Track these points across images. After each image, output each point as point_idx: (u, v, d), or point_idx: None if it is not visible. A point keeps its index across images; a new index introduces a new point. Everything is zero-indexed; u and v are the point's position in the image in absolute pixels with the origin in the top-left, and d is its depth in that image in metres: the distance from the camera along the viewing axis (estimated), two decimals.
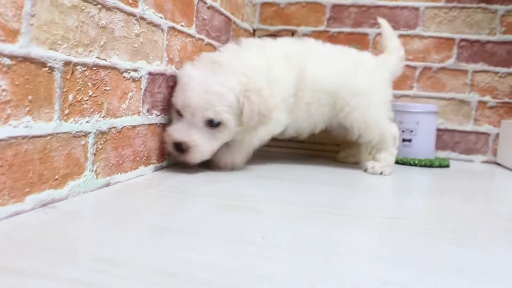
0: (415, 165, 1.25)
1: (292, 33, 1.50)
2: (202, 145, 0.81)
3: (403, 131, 1.29)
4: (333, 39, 1.51)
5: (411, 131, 1.30)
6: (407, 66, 1.47)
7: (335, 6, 1.52)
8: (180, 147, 0.80)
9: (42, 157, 0.54)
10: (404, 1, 1.49)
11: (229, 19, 1.27)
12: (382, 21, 1.16)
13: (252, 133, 0.91)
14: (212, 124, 0.81)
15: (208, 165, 0.91)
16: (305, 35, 1.52)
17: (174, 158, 0.85)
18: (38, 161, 0.54)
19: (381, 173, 1.02)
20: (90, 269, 0.37)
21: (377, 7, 1.50)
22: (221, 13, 1.19)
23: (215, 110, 0.80)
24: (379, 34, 1.48)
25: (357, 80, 1.01)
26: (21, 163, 0.51)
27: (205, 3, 1.06)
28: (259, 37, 1.14)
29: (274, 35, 1.44)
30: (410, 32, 1.49)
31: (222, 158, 0.91)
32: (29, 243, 0.42)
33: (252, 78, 0.84)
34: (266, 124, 0.88)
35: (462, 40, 1.47)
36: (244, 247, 0.45)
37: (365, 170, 1.04)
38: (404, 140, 1.29)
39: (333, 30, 1.52)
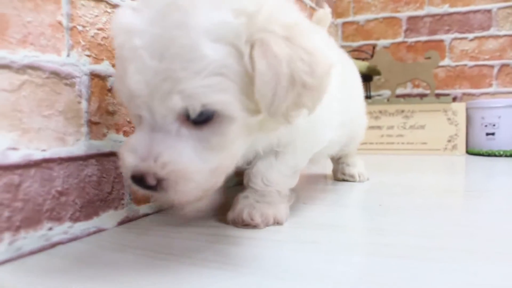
0: (500, 156, 1.38)
1: (373, 47, 1.69)
2: (187, 166, 0.36)
3: (485, 126, 1.43)
4: (411, 48, 1.68)
5: (494, 125, 1.42)
6: (485, 65, 1.61)
7: (410, 18, 1.69)
8: (145, 182, 0.36)
9: None
10: (476, 5, 1.62)
11: None
12: None
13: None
14: (198, 119, 0.36)
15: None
16: (385, 47, 1.71)
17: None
18: None
19: (368, 179, 0.87)
20: None
21: (450, 14, 1.65)
22: None
23: (188, 89, 0.34)
24: (454, 39, 1.63)
25: None
26: None
27: None
28: None
29: None
30: (485, 33, 1.61)
31: (253, 208, 0.50)
32: None
33: (269, 5, 0.37)
34: (315, 104, 0.39)
35: None
36: None
37: (345, 180, 0.86)
38: (487, 134, 1.43)
39: (411, 40, 1.70)
